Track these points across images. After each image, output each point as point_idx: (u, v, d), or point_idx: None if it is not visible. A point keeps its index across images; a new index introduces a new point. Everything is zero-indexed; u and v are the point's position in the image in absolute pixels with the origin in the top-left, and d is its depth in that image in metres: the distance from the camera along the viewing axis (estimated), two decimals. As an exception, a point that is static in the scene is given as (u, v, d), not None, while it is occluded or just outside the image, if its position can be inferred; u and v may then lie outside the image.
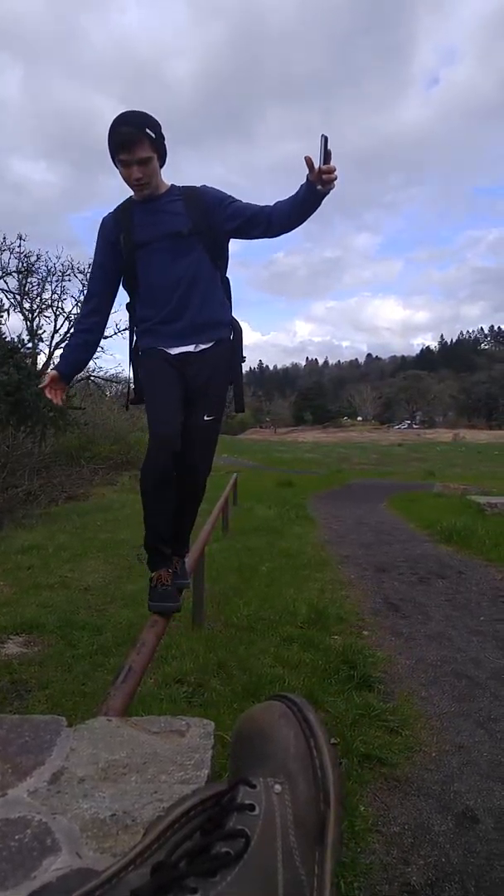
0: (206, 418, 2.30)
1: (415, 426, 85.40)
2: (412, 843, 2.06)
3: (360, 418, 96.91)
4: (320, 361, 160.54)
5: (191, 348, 2.26)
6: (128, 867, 0.57)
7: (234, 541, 7.57)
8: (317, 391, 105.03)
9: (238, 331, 2.45)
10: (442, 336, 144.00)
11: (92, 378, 24.38)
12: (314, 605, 4.54)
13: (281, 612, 4.42)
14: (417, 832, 2.11)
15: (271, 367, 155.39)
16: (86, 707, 2.76)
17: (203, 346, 2.28)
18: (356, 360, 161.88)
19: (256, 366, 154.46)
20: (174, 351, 2.27)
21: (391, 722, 2.80)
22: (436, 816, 2.20)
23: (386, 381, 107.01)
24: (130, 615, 4.40)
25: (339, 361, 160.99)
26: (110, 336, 22.63)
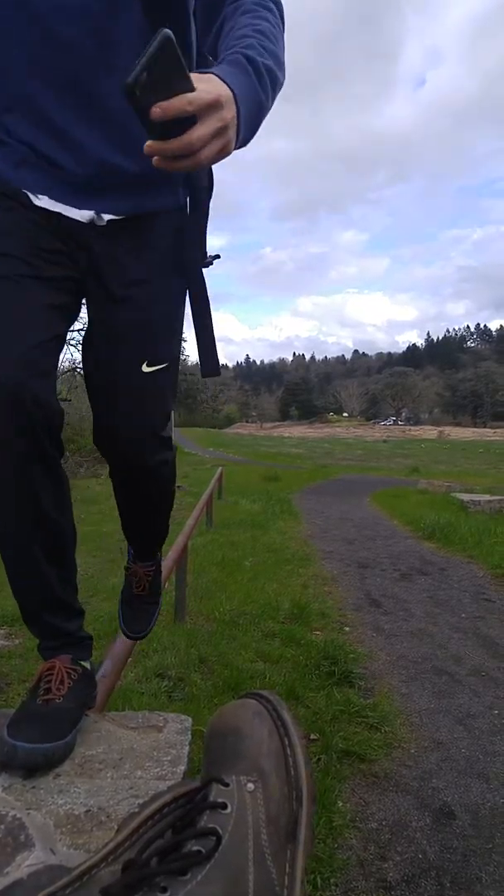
0: (145, 368, 1.13)
1: (400, 423, 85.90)
2: (389, 839, 2.08)
3: (345, 414, 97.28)
4: (307, 357, 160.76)
5: (93, 215, 1.05)
6: (100, 864, 0.57)
7: (218, 535, 7.58)
8: (303, 386, 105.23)
9: (201, 191, 1.19)
10: (428, 333, 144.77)
11: (78, 370, 24.24)
12: (297, 601, 4.55)
13: (263, 607, 4.43)
14: (395, 828, 2.13)
15: (258, 362, 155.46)
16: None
17: (122, 217, 1.07)
18: (342, 356, 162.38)
19: (244, 360, 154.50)
20: (58, 209, 1.03)
21: (371, 718, 2.82)
22: (413, 812, 2.22)
23: (372, 378, 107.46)
24: (113, 608, 4.36)
25: (325, 357, 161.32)
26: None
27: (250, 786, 0.58)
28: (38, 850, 0.71)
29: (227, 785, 0.57)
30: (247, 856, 0.53)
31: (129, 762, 0.92)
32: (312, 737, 2.60)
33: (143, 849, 0.53)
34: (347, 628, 4.19)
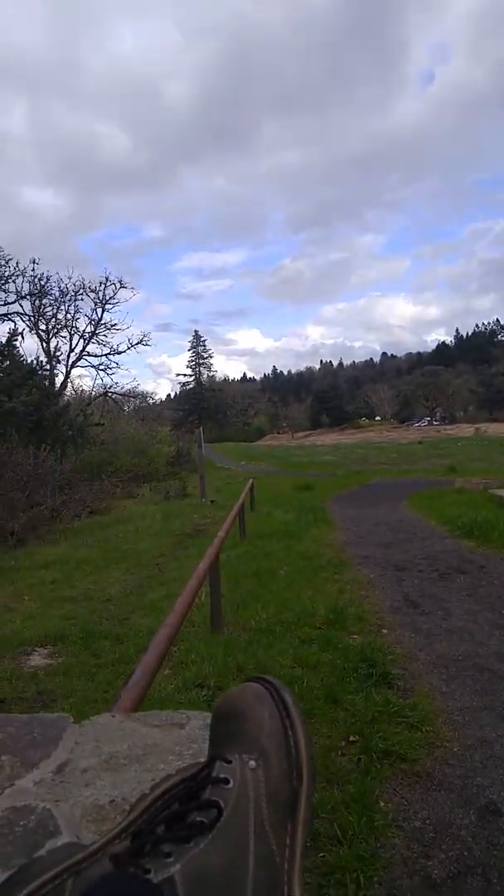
0: None
1: (435, 423, 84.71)
2: (433, 837, 2.06)
3: (378, 418, 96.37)
4: (334, 363, 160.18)
5: None
6: (113, 840, 0.61)
7: (251, 546, 7.61)
8: (332, 393, 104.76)
9: None
10: (457, 330, 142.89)
11: (109, 394, 24.70)
12: (333, 606, 4.55)
13: (299, 615, 4.43)
14: (439, 826, 2.12)
15: (285, 373, 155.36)
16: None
17: None
18: (371, 359, 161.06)
19: (270, 372, 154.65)
20: None
21: (411, 718, 2.80)
22: (458, 811, 2.20)
23: (403, 379, 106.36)
24: (151, 623, 4.45)
25: (353, 362, 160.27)
26: (124, 351, 22.96)
27: (252, 763, 0.61)
28: (64, 837, 0.75)
29: (229, 762, 0.60)
30: (247, 828, 0.56)
31: (153, 757, 0.96)
32: (352, 738, 2.60)
33: (150, 820, 0.57)
34: (385, 630, 4.17)
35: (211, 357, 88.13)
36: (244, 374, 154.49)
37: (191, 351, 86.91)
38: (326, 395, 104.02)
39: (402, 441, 51.56)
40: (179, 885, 0.51)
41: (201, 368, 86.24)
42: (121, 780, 0.89)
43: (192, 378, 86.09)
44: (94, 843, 0.60)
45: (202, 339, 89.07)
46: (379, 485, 18.41)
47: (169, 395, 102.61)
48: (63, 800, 0.84)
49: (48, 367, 20.51)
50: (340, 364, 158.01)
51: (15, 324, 17.97)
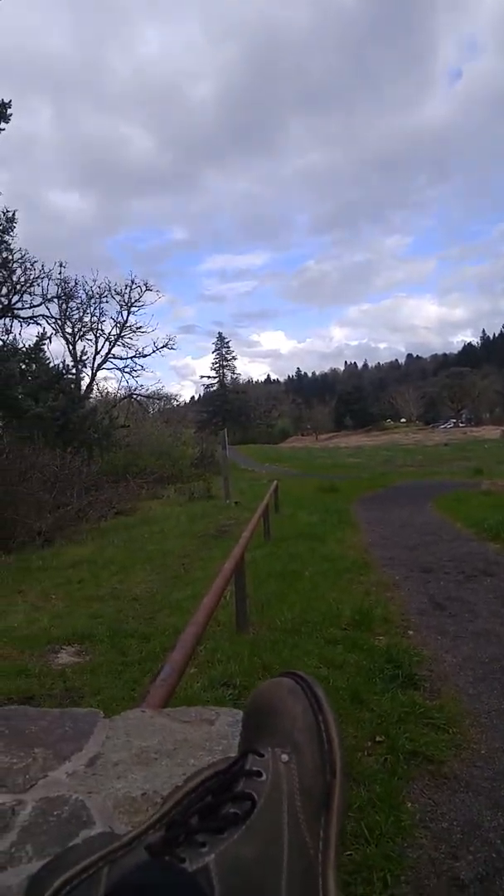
0: None
1: (461, 424, 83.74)
2: (461, 838, 2.04)
3: (403, 420, 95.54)
4: (359, 365, 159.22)
5: None
6: (147, 831, 0.61)
7: (276, 547, 7.60)
8: (356, 395, 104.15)
9: None
10: (483, 331, 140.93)
11: (134, 396, 24.90)
12: (358, 607, 4.53)
13: (324, 615, 4.42)
14: (466, 828, 2.10)
15: (309, 374, 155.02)
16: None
17: None
18: (396, 360, 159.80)
19: (294, 373, 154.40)
20: None
21: (437, 719, 2.78)
22: (486, 813, 2.18)
23: (428, 381, 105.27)
24: (177, 622, 4.47)
25: (378, 363, 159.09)
26: (149, 354, 23.14)
27: (285, 757, 0.61)
28: (98, 828, 0.77)
29: (262, 755, 0.61)
30: (281, 820, 0.57)
31: (183, 752, 0.97)
32: (378, 738, 2.59)
33: (184, 812, 0.58)
34: (411, 632, 4.14)
35: (234, 359, 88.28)
36: (268, 375, 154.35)
37: (214, 353, 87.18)
38: (351, 396, 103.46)
39: (427, 443, 51.07)
40: (214, 873, 0.52)
41: (225, 370, 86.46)
42: (152, 774, 0.90)
43: (216, 380, 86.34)
44: (128, 833, 0.61)
45: (226, 340, 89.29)
46: (404, 487, 18.26)
47: (193, 398, 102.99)
48: (96, 792, 0.85)
49: (74, 369, 20.79)
50: (365, 365, 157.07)
51: (42, 327, 18.17)
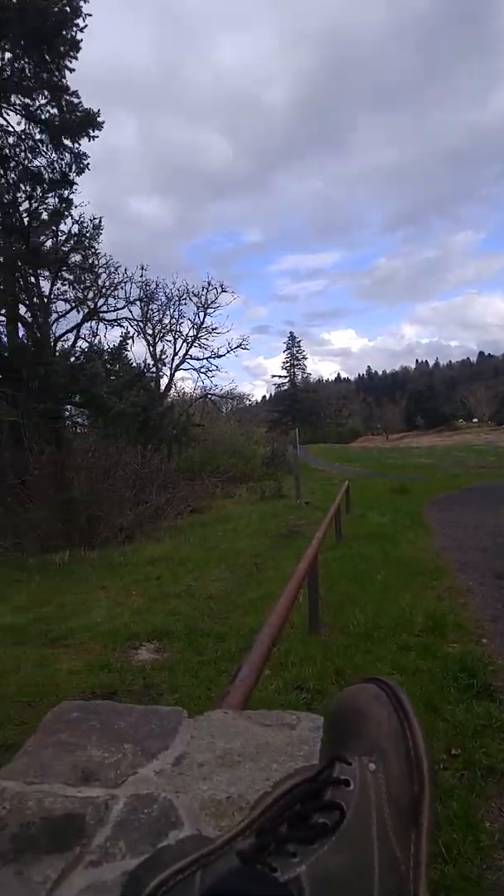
0: None
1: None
2: (546, 859, 1.97)
3: (475, 420, 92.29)
4: (430, 363, 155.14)
5: None
6: (237, 836, 0.63)
7: (347, 548, 7.53)
8: (428, 394, 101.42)
9: None
10: None
11: (209, 396, 25.28)
12: (431, 613, 4.43)
13: (397, 620, 4.35)
14: (550, 851, 2.01)
15: (380, 373, 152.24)
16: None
17: None
18: (468, 359, 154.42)
19: (365, 372, 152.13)
20: None
21: (518, 733, 2.68)
22: None
23: (500, 379, 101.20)
24: (252, 622, 4.51)
25: (450, 362, 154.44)
26: (224, 355, 23.43)
27: (371, 765, 0.61)
28: (186, 829, 0.79)
29: (349, 763, 0.61)
30: (370, 831, 0.57)
31: (265, 756, 0.98)
32: (453, 751, 2.52)
33: (273, 819, 0.59)
34: (485, 640, 4.01)
35: (305, 358, 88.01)
36: (338, 374, 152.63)
37: (286, 352, 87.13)
38: (422, 395, 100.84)
39: (500, 444, 49.10)
40: (306, 885, 0.52)
41: (296, 370, 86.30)
42: (236, 777, 0.92)
43: (287, 379, 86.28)
44: (219, 837, 0.63)
45: (297, 340, 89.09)
46: (477, 489, 17.65)
47: (264, 397, 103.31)
48: (183, 792, 0.88)
49: (154, 368, 21.36)
50: (436, 364, 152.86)
51: (125, 329, 18.77)
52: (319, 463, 32.71)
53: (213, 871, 0.58)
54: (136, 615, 5.32)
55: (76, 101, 9.80)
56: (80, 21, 9.13)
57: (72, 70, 9.45)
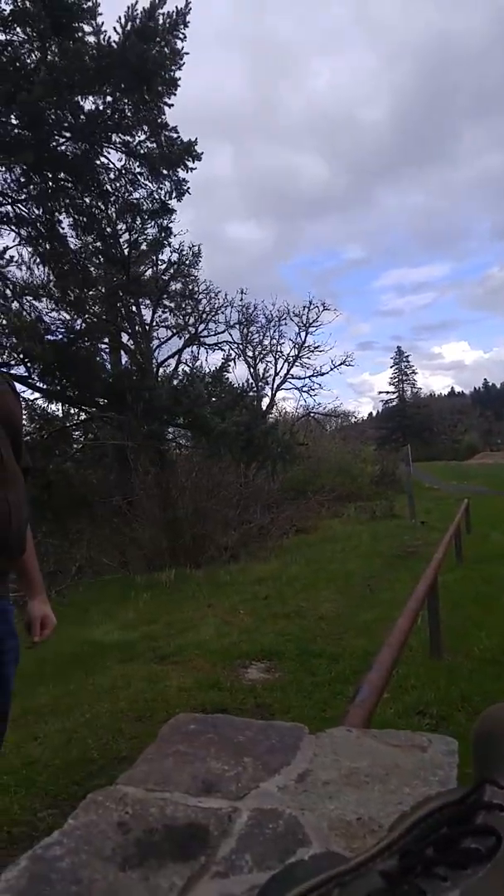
0: None
1: None
2: None
3: None
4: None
5: None
6: (376, 857, 0.58)
7: (469, 570, 7.16)
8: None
9: None
10: None
11: (312, 414, 25.27)
12: None
13: (529, 646, 4.04)
14: None
15: (498, 385, 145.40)
16: (327, 732, 2.81)
17: None
18: None
19: (481, 385, 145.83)
20: None
21: None
22: None
23: None
24: (366, 644, 4.37)
25: None
26: (327, 373, 23.39)
27: (527, 790, 0.54)
28: (314, 848, 0.74)
29: (502, 787, 0.55)
30: (528, 863, 0.50)
31: (395, 778, 0.92)
32: None
33: (417, 841, 0.53)
34: None
35: (415, 373, 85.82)
36: (451, 388, 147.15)
37: (393, 368, 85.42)
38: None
39: None
40: (460, 909, 0.47)
41: (404, 385, 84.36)
42: (365, 799, 0.85)
43: (395, 395, 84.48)
44: (355, 856, 0.58)
45: (405, 355, 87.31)
46: None
47: (371, 414, 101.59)
48: (308, 809, 0.83)
49: (255, 388, 21.72)
50: None
51: (225, 352, 19.28)
52: (434, 481, 31.56)
53: (352, 891, 0.54)
54: (245, 634, 5.32)
55: (175, 136, 10.19)
56: (178, 59, 9.50)
57: (170, 106, 9.85)
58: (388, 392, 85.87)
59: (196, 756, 1.04)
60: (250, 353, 23.19)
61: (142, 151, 10.13)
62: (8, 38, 9.02)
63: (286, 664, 4.37)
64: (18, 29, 8.93)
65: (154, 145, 10.08)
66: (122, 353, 13.67)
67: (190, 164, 10.26)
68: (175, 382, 12.13)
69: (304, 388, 23.98)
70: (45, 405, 11.94)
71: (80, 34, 8.92)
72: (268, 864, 0.70)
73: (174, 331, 16.17)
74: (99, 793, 0.90)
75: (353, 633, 4.98)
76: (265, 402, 22.83)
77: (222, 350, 19.04)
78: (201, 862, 0.72)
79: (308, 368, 23.70)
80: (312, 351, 23.45)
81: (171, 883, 0.68)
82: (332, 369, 23.98)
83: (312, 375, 23.67)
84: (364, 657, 4.04)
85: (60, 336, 11.28)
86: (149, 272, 13.83)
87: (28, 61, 8.87)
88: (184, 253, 13.70)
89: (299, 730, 1.12)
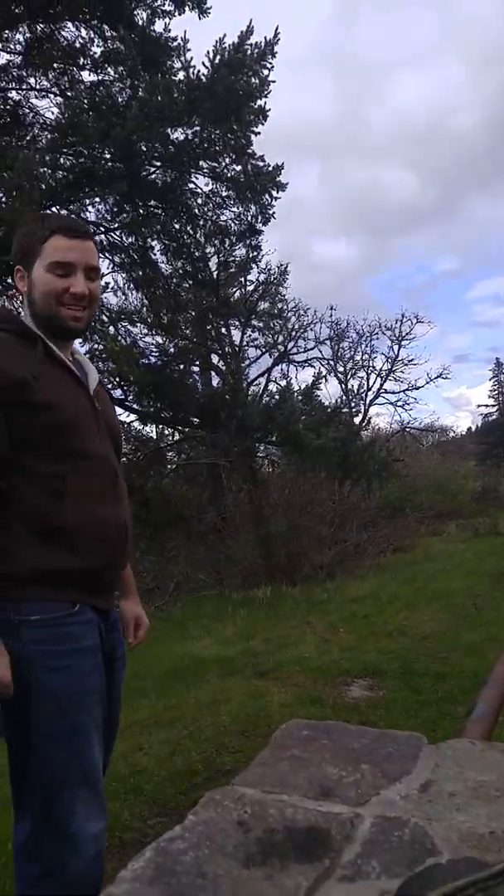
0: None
1: None
2: None
3: None
4: None
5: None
6: (519, 867, 0.54)
7: None
8: None
9: None
10: None
11: (408, 430, 24.66)
12: None
13: None
14: None
15: None
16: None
17: None
18: None
19: None
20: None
21: None
22: None
23: None
24: (474, 664, 4.17)
25: None
26: (422, 386, 22.77)
27: None
28: (445, 857, 0.70)
29: None
30: None
31: (528, 794, 0.86)
32: None
33: None
34: None
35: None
36: None
37: (492, 380, 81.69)
38: None
39: None
40: None
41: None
42: (496, 813, 0.80)
43: (495, 408, 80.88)
44: (498, 863, 0.54)
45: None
46: None
47: (469, 429, 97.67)
48: (436, 820, 0.79)
49: (348, 405, 21.46)
50: None
51: (316, 368, 19.24)
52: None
53: None
54: (346, 652, 5.20)
55: (261, 164, 10.31)
56: (266, 88, 9.63)
57: (257, 134, 10.00)
58: (487, 405, 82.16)
59: (310, 761, 1.02)
60: (341, 369, 22.99)
61: (229, 174, 10.37)
62: (100, 77, 9.56)
63: (390, 682, 4.22)
64: (110, 69, 9.44)
65: (239, 168, 10.30)
66: (213, 373, 13.96)
67: (275, 194, 10.41)
68: (266, 400, 12.23)
69: (399, 403, 23.44)
70: (141, 427, 12.38)
71: (169, 69, 9.29)
72: (396, 871, 0.67)
73: (264, 349, 16.36)
74: (216, 791, 0.90)
75: (461, 653, 4.75)
76: (357, 419, 22.53)
77: (313, 367, 19.01)
78: (325, 865, 0.70)
79: (402, 382, 23.15)
80: (406, 364, 22.89)
81: (296, 883, 0.66)
82: (427, 382, 23.20)
83: (407, 389, 23.10)
84: (473, 677, 3.84)
85: (154, 359, 11.68)
86: (237, 293, 14.09)
87: (120, 99, 9.34)
88: (271, 272, 13.86)
89: (417, 739, 1.07)
